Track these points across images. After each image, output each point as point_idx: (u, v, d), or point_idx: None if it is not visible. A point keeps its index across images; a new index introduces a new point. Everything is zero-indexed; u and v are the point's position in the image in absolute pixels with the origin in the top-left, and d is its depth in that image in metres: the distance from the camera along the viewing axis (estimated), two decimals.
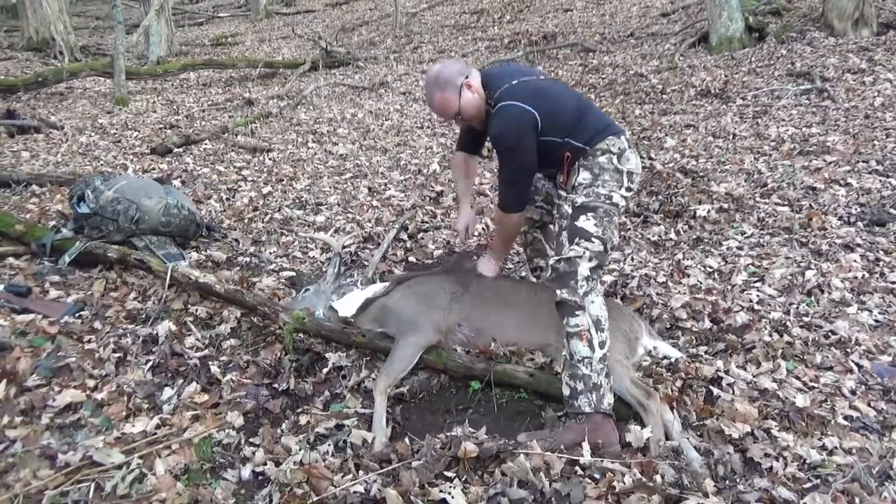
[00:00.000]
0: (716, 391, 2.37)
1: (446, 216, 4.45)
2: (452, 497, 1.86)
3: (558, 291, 2.26)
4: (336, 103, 8.44)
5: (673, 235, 3.87)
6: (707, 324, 2.88)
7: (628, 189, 2.37)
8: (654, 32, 10.04)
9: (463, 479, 1.97)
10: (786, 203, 4.08)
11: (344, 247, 3.60)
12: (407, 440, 2.18)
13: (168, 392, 2.47)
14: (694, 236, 3.82)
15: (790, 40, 8.13)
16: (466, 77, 2.39)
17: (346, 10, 17.81)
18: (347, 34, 14.26)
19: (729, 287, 3.20)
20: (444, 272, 3.14)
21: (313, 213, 4.50)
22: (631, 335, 2.51)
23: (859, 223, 3.71)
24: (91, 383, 2.47)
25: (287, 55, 12.46)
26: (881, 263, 3.29)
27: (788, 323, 2.84)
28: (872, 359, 2.58)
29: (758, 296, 3.08)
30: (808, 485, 1.95)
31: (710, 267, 3.43)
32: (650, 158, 5.06)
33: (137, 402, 2.40)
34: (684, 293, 3.13)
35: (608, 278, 3.35)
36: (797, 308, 2.97)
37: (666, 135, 5.70)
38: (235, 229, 4.12)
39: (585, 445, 2.06)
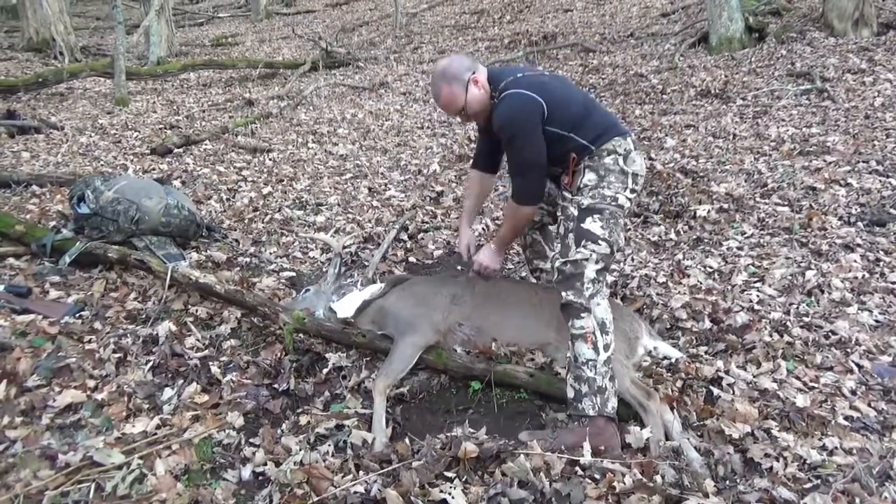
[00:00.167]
0: (716, 391, 2.37)
1: (446, 216, 4.45)
2: (453, 497, 1.86)
3: (564, 293, 2.25)
4: (336, 104, 8.44)
5: (673, 236, 3.87)
6: (707, 324, 2.88)
7: (632, 191, 2.36)
8: (654, 33, 10.04)
9: (463, 479, 1.97)
10: (786, 203, 4.08)
11: (344, 247, 3.60)
12: (407, 440, 2.18)
13: (168, 392, 2.47)
14: (694, 236, 3.82)
15: (790, 40, 8.13)
16: (474, 72, 2.38)
17: (347, 11, 17.81)
18: (347, 34, 14.26)
19: (729, 287, 3.20)
20: (443, 273, 3.14)
21: (313, 213, 4.50)
22: (631, 335, 2.51)
23: (859, 223, 3.71)
24: (91, 384, 2.47)
25: (287, 55, 12.47)
26: (881, 263, 3.29)
27: (788, 323, 2.84)
28: (873, 359, 2.58)
29: (758, 296, 3.08)
30: (809, 485, 1.95)
31: (711, 267, 3.43)
32: (650, 159, 5.06)
33: (138, 402, 2.40)
34: (684, 293, 3.13)
35: (608, 278, 3.35)
36: (797, 308, 2.97)
37: (666, 135, 5.70)
38: (235, 230, 4.12)
39: (586, 445, 2.06)
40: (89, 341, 2.73)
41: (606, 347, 2.21)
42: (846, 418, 2.24)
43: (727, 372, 2.51)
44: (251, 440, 2.26)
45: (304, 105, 8.38)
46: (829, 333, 2.76)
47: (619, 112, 6.57)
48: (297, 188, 5.00)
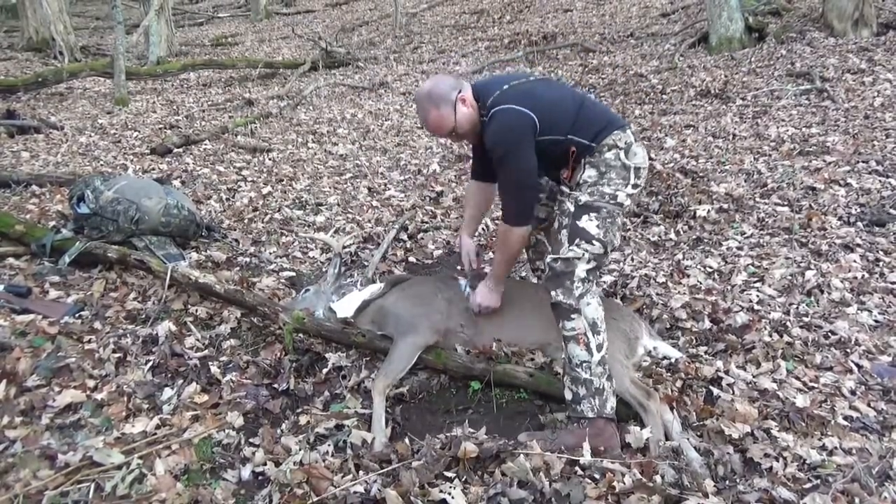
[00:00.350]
0: (716, 391, 2.37)
1: (446, 216, 4.45)
2: (452, 497, 1.86)
3: (553, 292, 2.22)
4: (336, 103, 8.44)
5: (673, 236, 3.87)
6: (707, 324, 2.88)
7: (635, 186, 2.29)
8: (654, 33, 10.04)
9: (463, 479, 1.97)
10: (785, 203, 4.08)
11: (344, 247, 3.60)
12: (407, 440, 2.18)
13: (168, 392, 2.47)
14: (694, 236, 3.82)
15: (790, 40, 8.13)
16: (460, 91, 2.29)
17: (346, 11, 17.82)
18: (347, 34, 14.26)
19: (729, 287, 3.20)
20: (443, 273, 3.13)
21: (313, 213, 4.50)
22: (631, 335, 2.51)
23: (859, 223, 3.71)
24: (91, 383, 2.47)
25: (287, 55, 12.46)
26: (881, 264, 3.29)
27: (788, 323, 2.84)
28: (872, 359, 2.58)
29: (758, 296, 3.08)
30: (808, 485, 1.95)
31: (710, 267, 3.43)
32: (650, 159, 5.05)
33: (137, 402, 2.40)
34: (684, 293, 3.13)
35: (608, 278, 3.35)
36: (797, 308, 2.97)
37: (666, 135, 5.70)
38: (235, 229, 4.12)
39: (586, 446, 2.06)
40: (89, 341, 2.73)
41: (600, 347, 2.19)
42: (846, 418, 2.24)
43: (727, 372, 2.51)
44: (251, 440, 2.26)
45: (304, 105, 8.38)
46: (829, 333, 2.76)
47: (619, 112, 6.57)
48: (297, 188, 5.00)
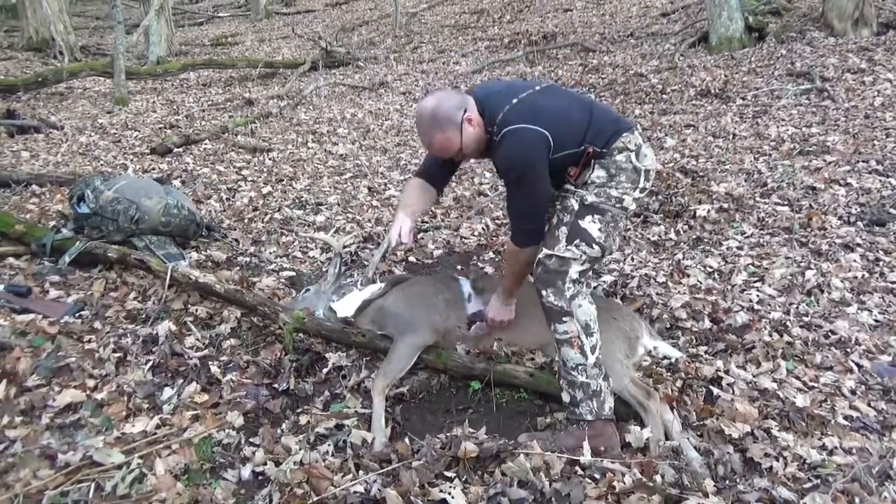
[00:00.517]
0: (716, 391, 2.37)
1: (446, 216, 4.45)
2: (452, 497, 1.86)
3: (544, 292, 2.18)
4: (336, 103, 8.44)
5: (673, 235, 3.87)
6: (707, 324, 2.88)
7: (642, 190, 2.23)
8: (654, 32, 10.04)
9: (463, 479, 1.97)
10: (786, 203, 4.08)
11: (344, 247, 3.60)
12: (407, 440, 2.18)
13: (168, 392, 2.47)
14: (694, 236, 3.82)
15: (790, 40, 8.13)
16: (465, 110, 2.14)
17: (346, 10, 17.81)
18: (347, 34, 14.26)
19: (729, 287, 3.20)
20: (443, 273, 3.13)
21: (313, 212, 4.50)
22: (631, 335, 2.51)
23: (859, 223, 3.71)
24: (91, 383, 2.47)
25: (287, 55, 12.46)
26: (881, 263, 3.29)
27: (788, 323, 2.84)
28: (872, 359, 2.58)
29: (758, 296, 3.08)
30: (809, 485, 1.95)
31: (710, 267, 3.43)
32: None
33: (137, 402, 2.40)
34: (684, 293, 3.13)
35: (608, 278, 3.35)
36: (797, 308, 2.97)
37: (666, 135, 5.70)
38: (235, 229, 4.12)
39: (586, 446, 2.06)
40: (89, 341, 2.73)
41: (594, 349, 2.16)
42: (846, 418, 2.24)
43: (727, 372, 2.51)
44: (251, 440, 2.26)
45: (304, 105, 8.38)
46: (829, 333, 2.76)
47: (619, 112, 6.57)
48: (297, 188, 5.00)
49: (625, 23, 11.02)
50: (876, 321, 2.83)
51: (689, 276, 3.33)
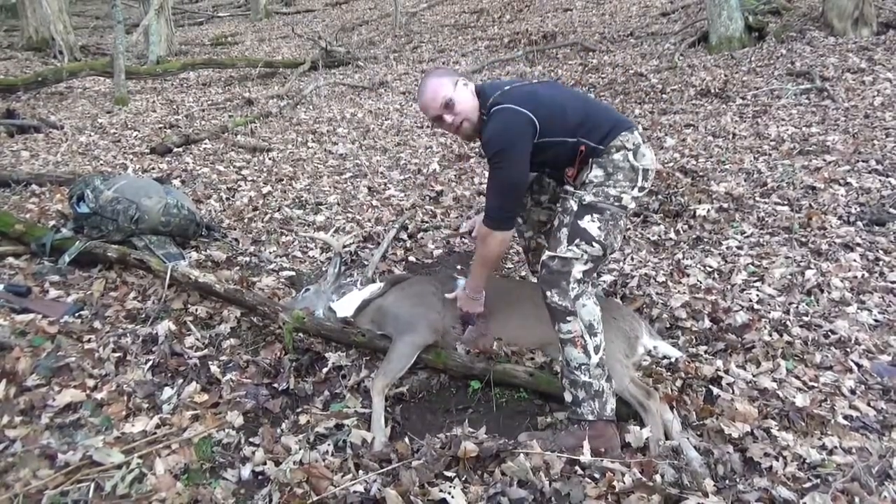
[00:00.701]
0: (715, 391, 2.37)
1: (446, 216, 4.45)
2: (452, 497, 1.86)
3: (548, 293, 2.19)
4: (336, 103, 8.44)
5: (673, 235, 3.87)
6: (707, 323, 2.88)
7: (641, 189, 2.24)
8: (654, 32, 10.04)
9: (463, 478, 1.97)
10: (785, 202, 4.08)
11: (344, 246, 3.60)
12: (407, 440, 2.18)
13: (168, 392, 2.47)
14: (694, 236, 3.82)
15: (790, 40, 8.13)
16: (463, 76, 2.32)
17: (346, 10, 17.80)
18: (347, 34, 14.25)
19: (729, 287, 3.20)
20: (443, 273, 3.13)
21: (313, 212, 4.50)
22: (631, 334, 2.51)
23: (859, 223, 3.71)
24: (91, 383, 2.47)
25: (287, 55, 12.46)
26: (881, 263, 3.29)
27: (788, 322, 2.84)
28: (872, 358, 2.58)
29: (757, 295, 3.08)
30: (808, 484, 1.95)
31: (710, 266, 3.43)
32: None
33: (137, 401, 2.40)
34: (684, 293, 3.13)
35: (608, 278, 3.35)
36: (797, 307, 2.97)
37: (666, 134, 5.70)
38: (235, 229, 4.12)
39: (586, 447, 2.06)
40: (89, 341, 2.73)
41: (597, 349, 2.17)
42: (846, 417, 2.24)
43: (727, 371, 2.51)
44: (251, 439, 2.26)
45: (304, 104, 8.38)
46: (829, 333, 2.76)
47: (619, 112, 6.56)
48: (297, 187, 5.00)
49: (625, 22, 11.02)
50: (876, 321, 2.83)
51: (688, 275, 3.33)
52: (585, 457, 2.02)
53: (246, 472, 2.10)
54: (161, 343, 2.72)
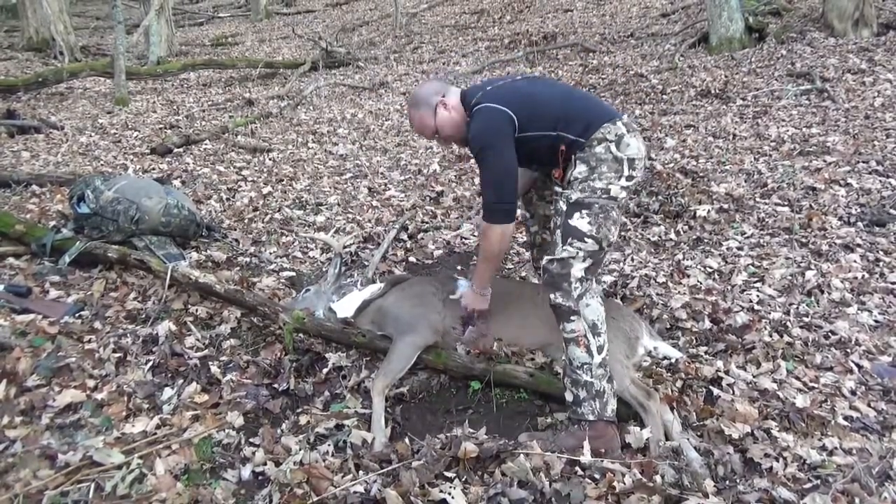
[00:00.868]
0: (716, 391, 2.37)
1: (446, 216, 4.45)
2: (452, 497, 1.86)
3: (552, 295, 2.20)
4: (336, 103, 8.44)
5: (673, 236, 3.87)
6: (707, 324, 2.88)
7: (629, 178, 2.22)
8: (654, 33, 10.04)
9: (463, 479, 1.97)
10: (786, 203, 4.08)
11: (344, 247, 3.60)
12: (407, 440, 2.18)
13: (168, 392, 2.47)
14: (694, 236, 3.82)
15: (790, 41, 8.13)
16: (443, 96, 2.37)
17: (347, 11, 17.81)
18: (347, 34, 14.26)
19: (729, 287, 3.20)
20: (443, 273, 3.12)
21: (313, 213, 4.50)
22: (631, 335, 2.51)
23: (859, 223, 3.71)
24: (91, 383, 2.47)
25: (287, 55, 12.47)
26: (881, 264, 3.29)
27: (788, 323, 2.84)
28: (872, 359, 2.58)
29: (758, 296, 3.08)
30: (809, 485, 1.95)
31: (710, 267, 3.43)
32: (650, 159, 5.06)
33: (137, 402, 2.40)
34: (684, 293, 3.13)
35: (608, 278, 3.35)
36: (797, 308, 2.97)
37: (666, 135, 5.70)
38: (235, 229, 4.12)
39: (586, 447, 2.06)
40: (89, 341, 2.73)
41: (600, 349, 2.17)
42: (846, 418, 2.24)
43: (727, 372, 2.51)
44: (251, 440, 2.26)
45: (304, 105, 8.38)
46: (829, 333, 2.76)
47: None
48: (297, 188, 5.00)
49: (625, 23, 11.02)
50: (876, 322, 2.83)
51: (689, 276, 3.33)
52: (586, 457, 2.02)
53: (246, 472, 2.10)
54: (161, 343, 2.72)
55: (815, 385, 2.43)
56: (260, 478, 2.08)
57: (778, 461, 2.05)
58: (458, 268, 3.65)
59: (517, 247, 3.86)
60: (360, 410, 2.40)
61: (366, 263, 3.62)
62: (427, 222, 4.32)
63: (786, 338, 2.72)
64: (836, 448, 2.10)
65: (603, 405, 2.15)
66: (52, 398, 2.34)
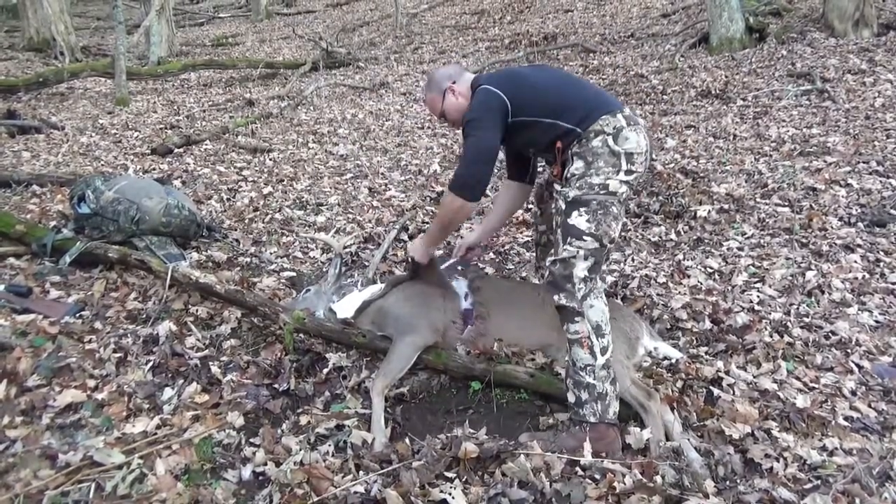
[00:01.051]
0: (716, 392, 2.37)
1: None
2: (453, 497, 1.86)
3: (556, 297, 2.18)
4: (336, 104, 8.44)
5: (673, 236, 3.87)
6: (707, 324, 2.88)
7: (628, 172, 2.18)
8: (655, 33, 10.05)
9: (463, 479, 1.97)
10: (786, 204, 4.08)
11: (344, 247, 3.59)
12: (407, 440, 2.18)
13: (168, 392, 2.47)
14: (694, 237, 3.82)
15: (790, 41, 8.13)
16: (454, 81, 2.43)
17: (347, 11, 17.82)
18: (348, 35, 14.27)
19: (729, 288, 3.20)
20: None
21: (314, 213, 4.50)
22: (632, 335, 2.51)
23: (860, 224, 3.71)
24: (91, 383, 2.47)
25: (287, 56, 12.47)
26: (881, 264, 3.29)
27: (789, 323, 2.84)
28: (873, 359, 2.58)
29: (758, 296, 3.08)
30: (809, 485, 1.95)
31: (711, 267, 3.43)
32: (651, 159, 5.05)
33: (138, 402, 2.40)
34: (685, 294, 3.13)
35: (609, 279, 3.35)
36: (797, 309, 2.97)
37: (666, 135, 5.70)
38: (236, 229, 4.12)
39: (587, 447, 2.06)
40: (89, 341, 2.73)
41: (604, 350, 2.16)
42: (846, 419, 2.24)
43: (727, 372, 2.51)
44: (251, 440, 2.26)
45: (305, 105, 8.38)
46: (830, 334, 2.76)
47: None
48: (298, 188, 5.00)
49: (625, 24, 11.02)
50: (876, 322, 2.83)
51: (689, 276, 3.33)
52: (586, 457, 2.02)
53: (246, 472, 2.10)
54: (162, 343, 2.72)
55: (816, 385, 2.43)
56: (260, 478, 2.08)
57: (778, 461, 2.05)
58: (459, 268, 3.65)
59: (517, 247, 3.86)
60: (361, 411, 2.40)
61: (366, 264, 3.62)
62: (427, 222, 4.31)
63: (786, 338, 2.72)
64: (836, 448, 2.10)
65: (605, 407, 2.14)
66: (52, 398, 2.34)
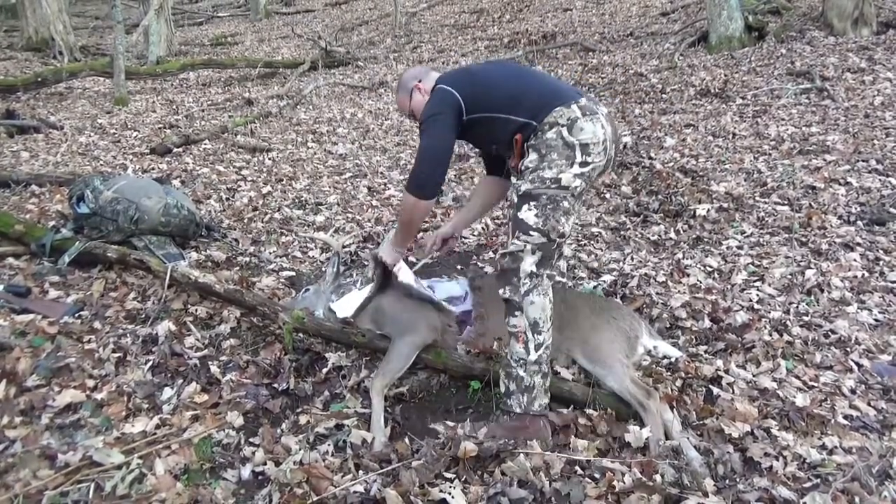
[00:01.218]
0: (716, 390, 2.37)
1: (446, 216, 4.45)
2: (452, 497, 1.86)
3: (501, 290, 2.21)
4: (336, 103, 8.44)
5: (673, 235, 3.87)
6: (707, 323, 2.88)
7: (584, 164, 2.12)
8: (654, 32, 10.04)
9: (463, 478, 1.97)
10: (785, 202, 4.08)
11: (344, 246, 3.59)
12: (407, 440, 2.18)
13: (168, 392, 2.47)
14: (694, 236, 3.82)
15: (790, 39, 8.13)
16: (419, 80, 2.46)
17: (346, 10, 17.81)
18: (347, 34, 14.26)
19: (729, 286, 3.20)
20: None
21: (313, 212, 4.50)
22: (631, 334, 2.51)
23: (859, 222, 3.72)
24: (91, 383, 2.47)
25: (286, 55, 12.46)
26: (881, 262, 3.29)
27: (788, 322, 2.84)
28: (872, 358, 2.58)
29: (758, 295, 3.08)
30: (808, 484, 1.95)
31: (710, 266, 3.43)
32: (650, 158, 5.06)
33: (137, 402, 2.40)
34: (684, 292, 3.13)
35: (608, 278, 3.35)
36: (797, 307, 2.97)
37: (666, 134, 5.70)
38: (235, 229, 4.12)
39: (511, 435, 2.10)
40: (89, 341, 2.73)
41: (538, 347, 2.17)
42: (846, 417, 2.24)
43: (727, 371, 2.51)
44: (251, 440, 2.26)
45: (304, 104, 8.38)
46: (829, 332, 2.76)
47: (619, 111, 6.56)
48: (297, 187, 5.00)
49: (624, 22, 11.02)
50: (876, 320, 2.83)
51: (688, 275, 3.33)
52: (585, 456, 2.02)
53: (246, 472, 2.10)
54: (161, 343, 2.72)
55: (815, 384, 2.43)
56: (260, 477, 2.08)
57: (778, 460, 2.05)
58: (458, 267, 3.65)
59: None
60: (360, 410, 2.40)
61: (365, 263, 3.61)
62: (427, 222, 4.31)
63: (785, 337, 2.72)
64: (835, 447, 2.10)
65: (531, 399, 2.18)
66: (51, 398, 2.34)
